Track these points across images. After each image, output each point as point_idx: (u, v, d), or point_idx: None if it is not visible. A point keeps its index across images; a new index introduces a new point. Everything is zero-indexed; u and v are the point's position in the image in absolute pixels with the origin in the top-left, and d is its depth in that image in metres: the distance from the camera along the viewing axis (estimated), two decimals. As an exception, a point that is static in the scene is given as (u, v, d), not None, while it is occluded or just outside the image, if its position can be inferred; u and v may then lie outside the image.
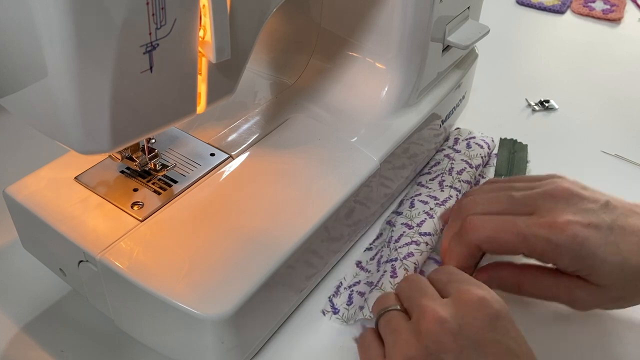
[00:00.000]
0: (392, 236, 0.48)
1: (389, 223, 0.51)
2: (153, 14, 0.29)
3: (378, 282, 0.44)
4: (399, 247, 0.46)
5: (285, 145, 0.47)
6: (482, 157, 0.56)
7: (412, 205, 0.50)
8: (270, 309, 0.41)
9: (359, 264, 0.48)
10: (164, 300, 0.36)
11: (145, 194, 0.42)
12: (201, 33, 0.33)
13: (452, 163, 0.54)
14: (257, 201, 0.43)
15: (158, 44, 0.31)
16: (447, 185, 0.52)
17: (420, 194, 0.52)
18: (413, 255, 0.45)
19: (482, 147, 0.57)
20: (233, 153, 0.46)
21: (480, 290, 0.35)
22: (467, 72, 0.58)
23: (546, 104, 0.69)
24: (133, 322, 0.40)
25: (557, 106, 0.69)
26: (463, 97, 0.60)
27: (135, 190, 0.42)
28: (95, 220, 0.40)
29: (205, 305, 0.36)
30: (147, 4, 0.29)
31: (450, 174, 0.53)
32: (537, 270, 0.42)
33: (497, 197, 0.42)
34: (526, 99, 0.70)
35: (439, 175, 0.54)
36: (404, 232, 0.47)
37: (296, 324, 0.44)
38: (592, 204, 0.40)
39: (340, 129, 0.49)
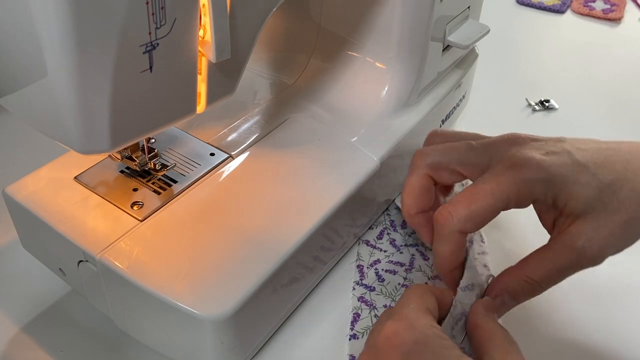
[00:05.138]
0: (393, 220, 0.50)
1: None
2: (153, 14, 0.29)
3: (411, 264, 0.47)
4: (412, 233, 0.46)
5: (285, 145, 0.47)
6: None
7: None
8: (270, 309, 0.41)
9: (367, 242, 0.49)
10: (163, 300, 0.36)
11: (145, 194, 0.42)
12: (201, 33, 0.33)
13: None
14: (257, 201, 0.43)
15: (158, 44, 0.31)
16: None
17: None
18: None
19: None
20: (233, 153, 0.46)
21: (392, 323, 0.32)
22: (467, 72, 0.58)
23: (546, 104, 0.69)
24: (133, 322, 0.40)
25: (557, 106, 0.69)
26: (463, 97, 0.60)
27: (135, 190, 0.42)
28: (95, 220, 0.40)
29: (205, 305, 0.36)
30: (147, 3, 0.29)
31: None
32: (533, 253, 0.39)
33: (455, 146, 0.41)
34: (526, 99, 0.70)
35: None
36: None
37: (296, 324, 0.44)
38: (545, 142, 0.39)
39: (340, 129, 0.49)
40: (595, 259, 0.37)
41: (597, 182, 0.37)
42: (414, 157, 0.41)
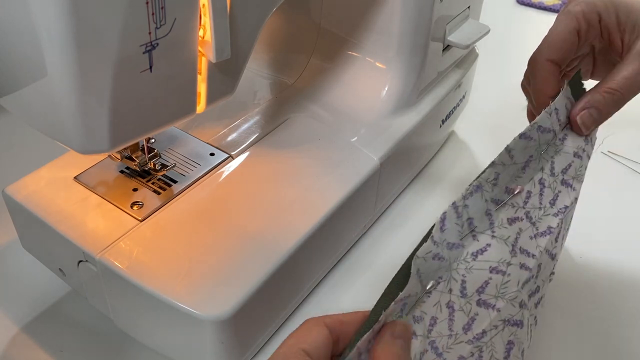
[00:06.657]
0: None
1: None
2: (153, 14, 0.29)
3: None
4: None
5: (285, 145, 0.47)
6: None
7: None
8: (270, 309, 0.41)
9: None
10: (163, 301, 0.36)
11: (145, 194, 0.42)
12: (201, 32, 0.33)
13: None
14: (257, 201, 0.43)
15: (158, 44, 0.31)
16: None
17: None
18: None
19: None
20: (233, 153, 0.46)
21: None
22: (467, 71, 0.58)
23: (546, 104, 0.69)
24: (133, 322, 0.40)
25: (557, 106, 0.69)
26: (463, 96, 0.60)
27: (135, 190, 0.42)
28: (95, 220, 0.40)
29: (205, 306, 0.36)
30: (147, 3, 0.29)
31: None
32: (611, 72, 0.42)
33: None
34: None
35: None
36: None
37: (296, 324, 0.44)
38: None
39: (340, 129, 0.49)
40: None
41: None
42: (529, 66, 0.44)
